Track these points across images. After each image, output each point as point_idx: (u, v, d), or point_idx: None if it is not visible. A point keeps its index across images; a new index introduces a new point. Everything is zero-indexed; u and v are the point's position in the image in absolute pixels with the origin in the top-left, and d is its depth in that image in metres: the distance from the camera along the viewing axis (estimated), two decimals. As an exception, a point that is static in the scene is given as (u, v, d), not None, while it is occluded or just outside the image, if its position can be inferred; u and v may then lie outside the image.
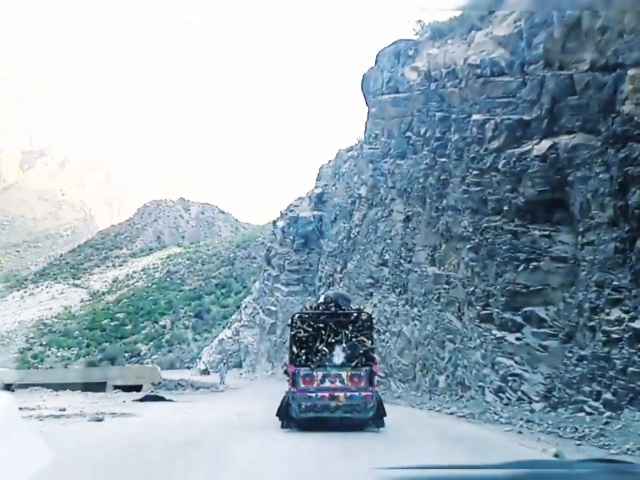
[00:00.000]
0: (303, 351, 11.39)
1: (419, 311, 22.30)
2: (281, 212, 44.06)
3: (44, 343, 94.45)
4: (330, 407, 10.90)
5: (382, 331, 25.54)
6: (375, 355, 11.93)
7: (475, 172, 18.83)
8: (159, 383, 37.03)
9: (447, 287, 20.33)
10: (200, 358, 50.40)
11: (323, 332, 11.46)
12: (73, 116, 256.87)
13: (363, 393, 10.90)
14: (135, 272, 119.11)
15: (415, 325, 22.31)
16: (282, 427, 11.30)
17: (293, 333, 11.82)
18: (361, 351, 11.32)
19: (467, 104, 20.35)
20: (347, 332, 11.45)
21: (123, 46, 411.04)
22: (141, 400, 19.69)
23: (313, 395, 10.93)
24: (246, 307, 48.42)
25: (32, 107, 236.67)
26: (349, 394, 10.88)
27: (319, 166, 45.10)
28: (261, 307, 43.36)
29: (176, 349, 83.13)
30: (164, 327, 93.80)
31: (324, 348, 11.30)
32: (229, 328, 51.18)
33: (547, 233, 15.77)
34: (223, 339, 48.69)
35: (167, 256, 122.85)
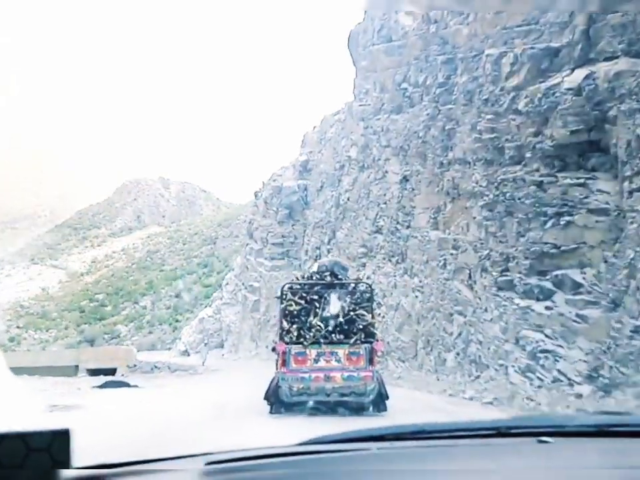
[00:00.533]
0: (295, 327, 10.04)
1: (421, 281, 19.54)
2: (263, 182, 40.95)
3: (20, 326, 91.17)
4: (325, 390, 9.65)
5: (378, 304, 22.77)
6: (377, 331, 10.59)
7: (488, 116, 15.96)
8: (134, 365, 34.30)
9: (454, 252, 17.56)
10: (180, 338, 47.55)
11: (317, 305, 10.16)
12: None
13: (362, 374, 9.65)
14: (114, 252, 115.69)
15: (416, 296, 19.56)
16: (270, 412, 9.79)
17: (283, 305, 10.35)
18: (360, 326, 10.03)
19: (477, 40, 17.42)
20: (344, 304, 10.15)
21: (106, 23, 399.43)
22: (101, 386, 16.75)
23: (306, 375, 9.63)
24: (227, 283, 45.41)
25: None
26: (346, 374, 9.64)
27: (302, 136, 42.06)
28: (243, 284, 40.43)
29: (157, 330, 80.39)
30: (144, 307, 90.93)
31: (318, 323, 9.97)
32: (209, 306, 48.23)
33: (581, 181, 12.98)
34: (203, 318, 45.69)
35: (147, 235, 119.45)
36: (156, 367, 31.73)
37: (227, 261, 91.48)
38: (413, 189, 21.19)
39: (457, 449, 1.44)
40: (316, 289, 10.45)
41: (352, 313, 10.05)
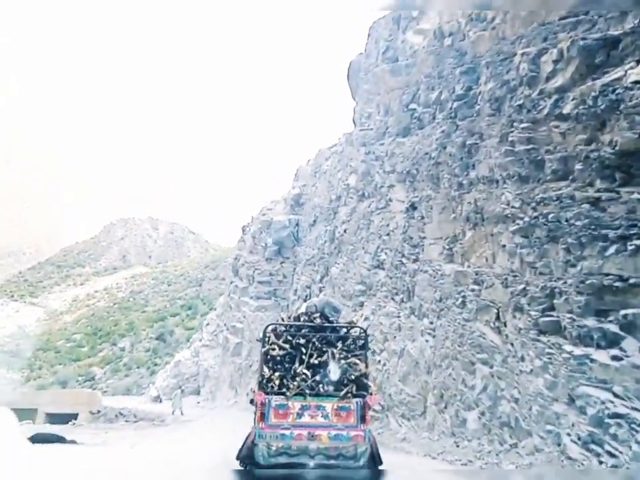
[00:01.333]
0: (277, 374, 8.64)
1: (432, 323, 16.26)
2: (252, 216, 37.88)
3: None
4: (309, 450, 8.16)
5: (377, 350, 19.35)
6: (370, 383, 8.97)
7: (523, 125, 13.11)
8: (98, 411, 30.40)
9: (475, 287, 14.38)
10: (153, 383, 43.21)
11: (304, 350, 8.86)
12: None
13: (352, 433, 8.27)
14: (96, 291, 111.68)
15: (426, 341, 16.23)
16: (246, 474, 8.19)
17: (264, 349, 8.92)
18: (352, 377, 8.69)
19: (506, 42, 14.79)
20: (334, 351, 8.88)
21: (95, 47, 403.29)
22: (30, 438, 13.05)
23: (287, 432, 8.21)
24: (208, 324, 41.61)
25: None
26: (333, 433, 8.25)
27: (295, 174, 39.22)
28: (225, 324, 36.66)
29: (134, 373, 75.58)
30: (123, 349, 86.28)
31: (304, 371, 8.66)
32: (188, 348, 44.14)
33: (653, 196, 10.03)
34: (179, 361, 41.59)
35: (132, 275, 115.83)
36: (121, 413, 28.06)
37: (211, 303, 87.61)
38: (422, 217, 18.17)
39: None
40: (303, 331, 9.08)
41: (343, 361, 8.73)
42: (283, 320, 10.04)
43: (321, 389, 8.47)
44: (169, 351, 78.06)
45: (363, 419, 8.38)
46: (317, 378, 8.54)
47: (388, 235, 20.54)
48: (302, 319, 9.52)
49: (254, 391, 8.87)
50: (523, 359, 11.95)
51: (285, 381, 8.54)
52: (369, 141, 23.44)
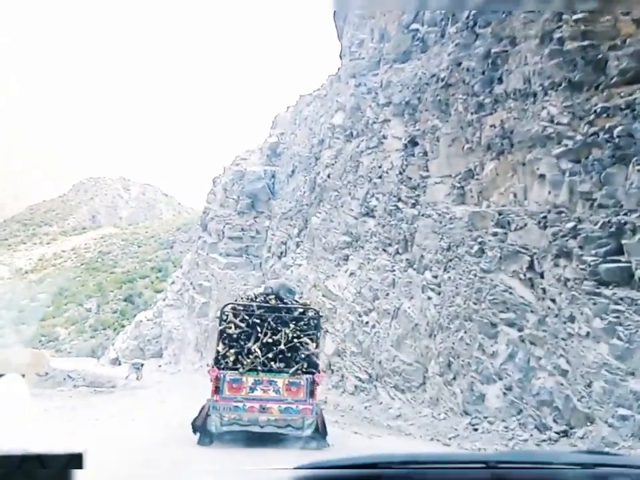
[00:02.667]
0: (232, 351, 8.85)
1: (436, 277, 13.05)
2: (224, 167, 34.04)
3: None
4: (259, 421, 8.46)
5: (363, 311, 16.16)
6: (319, 362, 9.37)
7: (577, 16, 9.75)
8: (46, 373, 26.77)
9: (498, 231, 11.15)
10: (113, 344, 39.68)
11: (259, 329, 9.05)
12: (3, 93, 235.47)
13: (301, 406, 8.59)
14: (64, 251, 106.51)
15: (429, 298, 13.03)
16: (198, 442, 8.31)
17: (221, 327, 9.18)
18: (303, 355, 8.95)
19: None
20: (287, 331, 9.07)
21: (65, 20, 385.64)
22: None
23: (240, 405, 8.52)
24: (173, 282, 38.02)
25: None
26: (284, 406, 8.56)
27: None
28: (191, 283, 33.08)
29: (100, 334, 71.87)
30: (89, 310, 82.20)
31: (257, 349, 8.87)
32: (150, 308, 40.55)
33: None
34: (141, 322, 38.03)
35: (101, 236, 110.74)
36: (70, 376, 24.62)
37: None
38: (425, 154, 14.83)
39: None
40: (259, 312, 9.33)
41: (295, 341, 9.04)
42: (241, 298, 10.42)
43: (273, 366, 8.78)
44: (136, 312, 74.25)
45: (311, 394, 8.69)
46: (270, 355, 8.81)
47: (380, 177, 17.17)
48: (258, 300, 9.67)
49: (210, 366, 9.20)
50: (572, 319, 8.80)
51: (239, 357, 8.80)
52: (359, 72, 19.83)
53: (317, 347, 9.14)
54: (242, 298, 10.47)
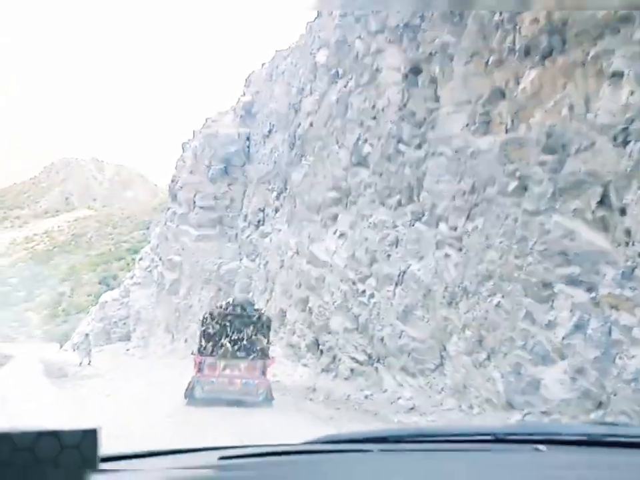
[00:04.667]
0: (210, 344, 12.36)
1: (455, 228, 9.96)
2: (193, 131, 30.36)
3: None
4: (228, 391, 11.71)
5: (359, 279, 13.05)
6: (270, 351, 12.80)
7: None
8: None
9: (548, 158, 8.05)
10: (76, 328, 36.09)
11: (229, 329, 12.49)
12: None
13: (257, 381, 11.87)
14: (36, 234, 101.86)
15: (447, 256, 9.95)
16: (187, 404, 11.40)
17: (203, 328, 12.72)
18: (258, 347, 12.37)
19: None
20: (248, 331, 12.48)
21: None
22: None
23: (215, 380, 11.89)
24: (142, 258, 34.52)
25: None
26: (244, 381, 11.86)
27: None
28: (160, 258, 29.47)
29: (73, 318, 67.88)
30: (62, 294, 78.07)
31: (227, 342, 12.35)
32: (118, 288, 37.00)
33: None
34: (106, 302, 34.44)
35: (75, 219, 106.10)
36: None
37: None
38: (432, 80, 11.66)
39: (455, 453, 1.41)
40: (229, 317, 12.64)
41: (253, 337, 12.44)
42: (217, 307, 13.66)
43: (238, 354, 12.26)
44: (111, 295, 70.63)
45: (264, 373, 12.08)
46: (236, 347, 12.34)
47: (374, 118, 13.96)
48: (228, 309, 12.95)
49: (194, 354, 12.71)
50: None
51: (215, 348, 12.34)
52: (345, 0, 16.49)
53: (267, 342, 12.57)
54: (216, 307, 13.74)
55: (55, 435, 0.73)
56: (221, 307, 13.37)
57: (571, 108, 7.90)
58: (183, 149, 31.20)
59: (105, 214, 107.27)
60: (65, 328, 64.60)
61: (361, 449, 1.43)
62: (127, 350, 27.91)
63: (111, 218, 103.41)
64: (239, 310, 12.85)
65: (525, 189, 8.40)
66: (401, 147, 12.46)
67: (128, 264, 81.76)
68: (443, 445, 1.48)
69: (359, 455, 1.38)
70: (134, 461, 1.22)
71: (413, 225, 11.31)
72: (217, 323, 12.52)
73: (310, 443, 1.46)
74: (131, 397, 11.79)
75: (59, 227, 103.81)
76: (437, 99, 11.53)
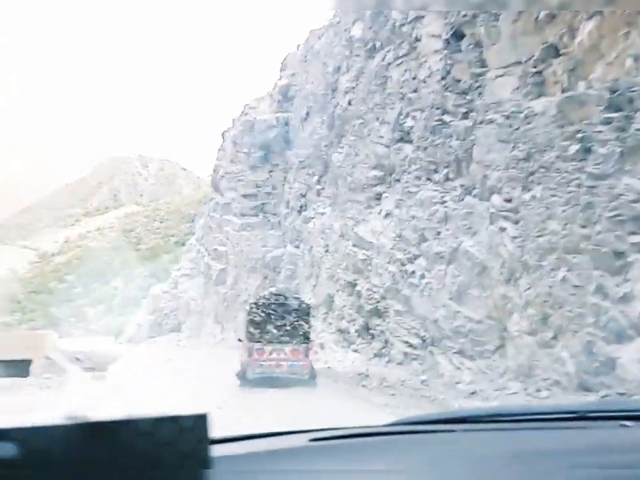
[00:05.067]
0: (257, 331, 13.56)
1: (510, 200, 9.27)
2: (232, 119, 30.23)
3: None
4: (275, 372, 13.04)
5: (407, 259, 12.50)
6: (311, 336, 13.84)
7: None
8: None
9: (614, 115, 7.29)
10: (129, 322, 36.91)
11: (273, 317, 13.65)
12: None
13: (301, 363, 13.12)
14: (88, 232, 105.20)
15: (503, 229, 9.29)
16: (240, 384, 12.98)
17: (250, 317, 13.83)
18: (301, 333, 13.54)
19: None
20: (290, 318, 13.64)
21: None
22: None
23: (264, 363, 13.13)
24: (189, 250, 34.89)
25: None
26: (290, 363, 13.13)
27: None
28: (206, 249, 29.63)
29: (126, 311, 69.94)
30: (116, 288, 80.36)
31: (273, 329, 13.54)
32: (167, 280, 37.56)
33: None
34: (157, 295, 35.04)
35: (124, 215, 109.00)
36: (77, 358, 22.06)
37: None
38: (477, 44, 10.89)
39: (539, 432, 1.39)
40: (272, 306, 13.86)
41: (295, 323, 13.59)
42: (261, 296, 14.94)
43: (283, 339, 13.43)
44: (163, 288, 72.37)
45: (306, 355, 13.26)
46: (280, 333, 13.50)
47: (415, 90, 13.27)
48: (272, 299, 14.20)
49: (241, 340, 14.33)
50: None
51: (262, 334, 13.52)
52: (379, -31, 15.72)
53: (309, 327, 13.68)
54: (260, 297, 14.87)
55: (172, 419, 0.75)
56: (264, 297, 14.68)
57: (637, 59, 7.10)
58: (223, 138, 31.12)
59: (151, 209, 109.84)
60: (121, 321, 66.57)
61: (442, 429, 1.40)
62: (179, 341, 28.21)
63: (158, 212, 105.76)
64: (281, 299, 14.15)
65: (589, 151, 7.65)
66: (446, 117, 11.77)
67: (177, 256, 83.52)
68: (524, 424, 1.45)
69: (445, 435, 1.36)
70: (233, 444, 1.22)
71: (463, 200, 10.67)
72: (262, 311, 13.66)
73: (394, 424, 1.47)
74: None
75: (109, 223, 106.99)
76: (482, 64, 10.78)
